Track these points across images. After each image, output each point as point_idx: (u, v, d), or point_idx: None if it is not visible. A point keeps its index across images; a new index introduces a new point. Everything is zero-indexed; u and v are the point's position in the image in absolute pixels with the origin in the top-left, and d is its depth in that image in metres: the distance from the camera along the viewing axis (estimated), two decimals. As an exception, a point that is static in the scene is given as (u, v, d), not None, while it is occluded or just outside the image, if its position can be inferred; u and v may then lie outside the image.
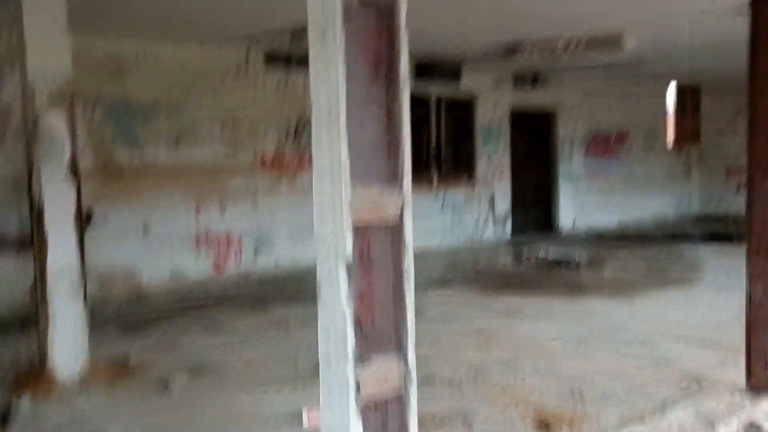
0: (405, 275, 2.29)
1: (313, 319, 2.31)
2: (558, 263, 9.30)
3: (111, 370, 4.97)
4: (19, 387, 4.57)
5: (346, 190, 2.11)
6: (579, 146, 12.67)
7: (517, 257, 9.81)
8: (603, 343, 5.42)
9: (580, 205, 12.76)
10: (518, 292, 7.51)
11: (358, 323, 2.17)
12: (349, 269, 2.14)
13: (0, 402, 4.34)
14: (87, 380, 4.73)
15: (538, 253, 10.04)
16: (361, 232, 2.18)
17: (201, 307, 7.07)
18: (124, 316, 6.76)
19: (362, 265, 2.20)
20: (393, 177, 2.26)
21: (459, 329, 6.01)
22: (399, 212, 2.27)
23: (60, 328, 4.73)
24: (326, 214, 2.19)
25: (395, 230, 2.28)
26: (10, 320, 6.29)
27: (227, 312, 6.85)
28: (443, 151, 11.07)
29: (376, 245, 2.25)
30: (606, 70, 11.78)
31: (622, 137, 13.40)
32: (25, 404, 4.31)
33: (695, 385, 4.37)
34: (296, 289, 7.82)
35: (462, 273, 8.89)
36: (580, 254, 9.85)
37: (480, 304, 7.00)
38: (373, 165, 2.22)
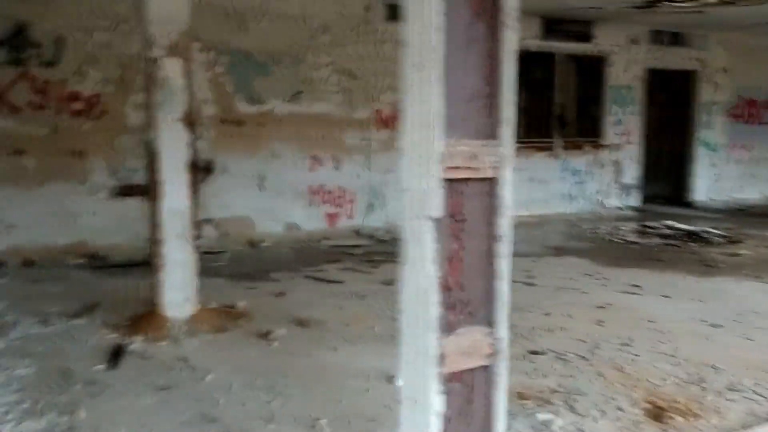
0: (500, 238, 2.06)
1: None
2: (689, 236, 8.61)
3: (219, 316, 5.08)
4: (133, 328, 4.76)
5: (437, 141, 1.90)
6: (722, 111, 11.62)
7: (644, 229, 9.17)
8: (734, 328, 4.92)
9: (720, 176, 11.76)
10: (641, 266, 7.00)
11: (445, 287, 1.98)
12: (438, 228, 1.94)
13: (113, 341, 4.54)
14: (195, 324, 4.85)
15: (667, 225, 9.34)
16: (453, 188, 1.97)
17: (312, 261, 7.12)
18: (238, 264, 6.92)
19: (453, 224, 2.00)
20: (492, 129, 2.02)
21: (572, 300, 5.67)
22: (497, 169, 2.03)
23: (171, 272, 4.86)
24: (415, 167, 1.99)
25: (492, 189, 2.05)
26: (133, 264, 6.60)
27: (337, 267, 6.84)
28: (568, 112, 10.49)
29: (470, 204, 2.03)
30: (755, 28, 10.66)
31: (772, 103, 12.15)
32: (136, 344, 4.49)
33: (841, 383, 3.84)
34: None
35: (581, 242, 8.43)
36: (715, 229, 9.07)
37: (597, 276, 6.57)
38: (470, 114, 1.99)
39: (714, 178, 11.72)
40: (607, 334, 4.73)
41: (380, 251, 7.64)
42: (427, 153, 1.94)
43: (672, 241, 8.35)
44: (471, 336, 2.03)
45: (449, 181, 1.95)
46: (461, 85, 1.95)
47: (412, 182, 2.01)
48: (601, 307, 5.47)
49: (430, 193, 1.94)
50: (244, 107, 7.86)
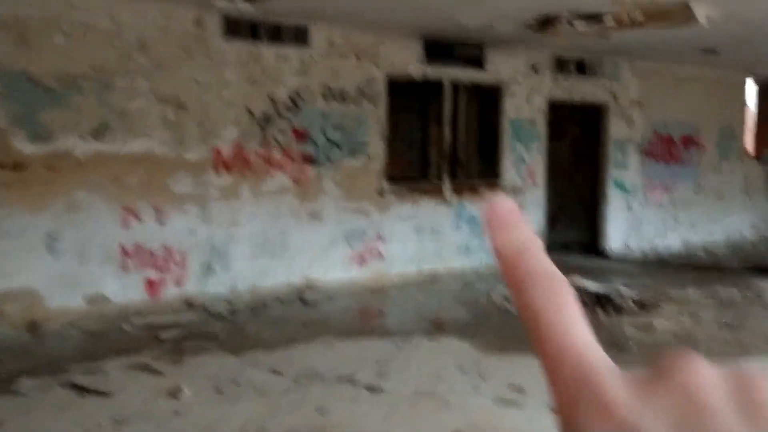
0: None
1: None
2: (598, 300, 7.14)
3: None
4: None
5: None
6: (637, 149, 10.38)
7: (546, 289, 7.66)
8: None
9: (636, 222, 10.47)
10: (531, 351, 5.42)
11: None
12: None
13: None
14: None
15: (573, 284, 7.86)
16: None
17: (98, 352, 5.26)
18: (15, 353, 5.02)
19: None
20: None
21: (419, 423, 4.00)
22: None
23: None
24: None
25: None
26: None
27: (125, 362, 5.01)
28: (460, 152, 9.01)
29: None
30: (672, 56, 9.48)
31: (690, 139, 11.01)
32: None
33: None
34: (260, 322, 5.96)
35: (468, 311, 6.84)
36: (628, 288, 7.65)
37: (473, 371, 4.95)
38: None
39: (631, 223, 10.42)
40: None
41: (203, 332, 5.86)
42: None
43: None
44: None
45: None
46: None
47: None
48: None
49: None
50: (25, 146, 6.01)
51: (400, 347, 5.49)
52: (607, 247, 10.21)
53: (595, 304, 6.97)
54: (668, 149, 10.73)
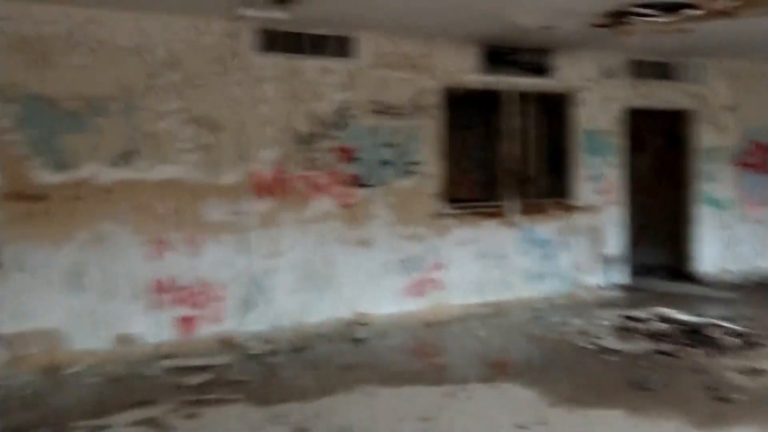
0: None
1: None
2: (691, 335, 6.12)
3: None
4: None
5: None
6: (729, 159, 9.22)
7: (628, 322, 6.69)
8: None
9: (732, 242, 9.28)
10: (613, 402, 4.51)
11: None
12: None
13: None
14: None
15: (660, 314, 6.86)
16: None
17: (114, 401, 4.69)
18: (25, 403, 4.52)
19: None
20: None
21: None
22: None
23: None
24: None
25: None
26: None
27: (138, 415, 4.41)
28: (527, 167, 8.15)
29: None
30: (766, 52, 8.36)
31: (792, 147, 9.74)
32: None
33: None
34: (300, 364, 5.29)
35: (536, 350, 5.96)
36: (728, 321, 6.58)
37: (534, 427, 4.09)
38: None
39: (725, 243, 9.24)
40: None
41: (233, 378, 5.22)
42: None
43: (666, 346, 5.85)
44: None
45: None
46: None
47: None
48: None
49: None
50: (45, 176, 5.58)
51: (453, 396, 4.69)
52: (697, 271, 9.06)
53: (690, 341, 5.95)
54: (766, 158, 9.50)
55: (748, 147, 9.36)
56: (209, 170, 6.16)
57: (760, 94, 9.34)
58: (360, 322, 6.79)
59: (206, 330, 6.16)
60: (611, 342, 6.05)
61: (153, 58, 5.94)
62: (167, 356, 5.82)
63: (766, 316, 6.85)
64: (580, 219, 8.19)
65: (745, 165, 9.36)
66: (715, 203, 9.16)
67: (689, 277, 9.05)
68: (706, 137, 9.04)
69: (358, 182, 6.85)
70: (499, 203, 7.74)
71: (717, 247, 9.17)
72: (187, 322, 6.10)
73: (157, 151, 5.96)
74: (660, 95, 8.65)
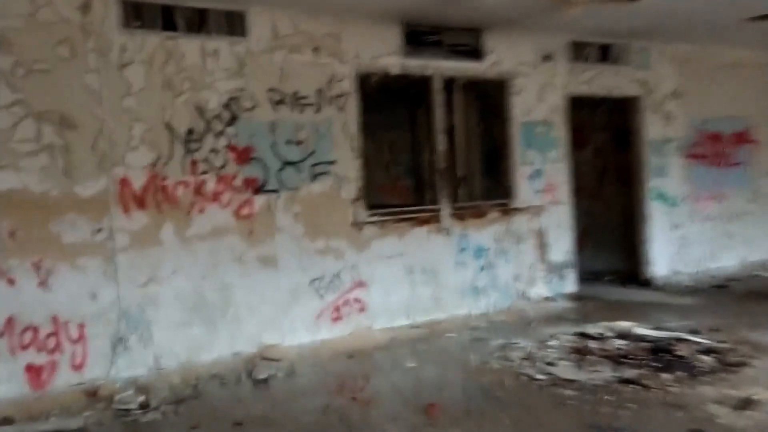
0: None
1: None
2: (655, 354, 5.17)
3: None
4: None
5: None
6: (678, 151, 8.42)
7: (582, 342, 5.71)
8: None
9: (685, 240, 8.48)
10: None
11: None
12: None
13: None
14: None
15: (618, 331, 5.91)
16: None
17: None
18: None
19: None
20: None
21: None
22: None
23: None
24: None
25: None
26: None
27: None
28: (459, 165, 7.14)
29: None
30: (715, 33, 7.60)
31: (742, 137, 9.03)
32: None
33: None
34: (184, 421, 4.06)
35: (472, 384, 4.89)
36: (695, 331, 5.70)
37: None
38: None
39: (678, 243, 8.43)
40: None
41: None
42: None
43: (630, 371, 4.86)
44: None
45: None
46: None
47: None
48: None
49: None
50: None
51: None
52: (648, 275, 8.21)
53: (657, 362, 4.99)
54: (716, 150, 8.76)
55: (696, 137, 8.60)
56: (61, 179, 4.87)
57: (707, 80, 8.59)
58: (265, 357, 5.60)
59: (64, 380, 4.86)
60: (564, 370, 5.03)
61: (-21, 38, 4.64)
62: (7, 420, 4.50)
63: (734, 327, 5.99)
64: (521, 222, 7.21)
65: (695, 157, 8.59)
66: (664, 199, 8.34)
67: (640, 282, 8.21)
68: (652, 128, 8.22)
69: (256, 188, 5.67)
70: (428, 207, 6.69)
71: (668, 247, 8.35)
72: (36, 372, 4.78)
73: (-11, 156, 4.65)
74: (603, 82, 7.77)
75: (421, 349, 5.89)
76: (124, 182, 5.10)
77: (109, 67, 5.04)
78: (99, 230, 5.01)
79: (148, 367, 5.18)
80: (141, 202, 5.17)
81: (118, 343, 5.08)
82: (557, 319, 6.76)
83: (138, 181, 5.15)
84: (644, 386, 4.54)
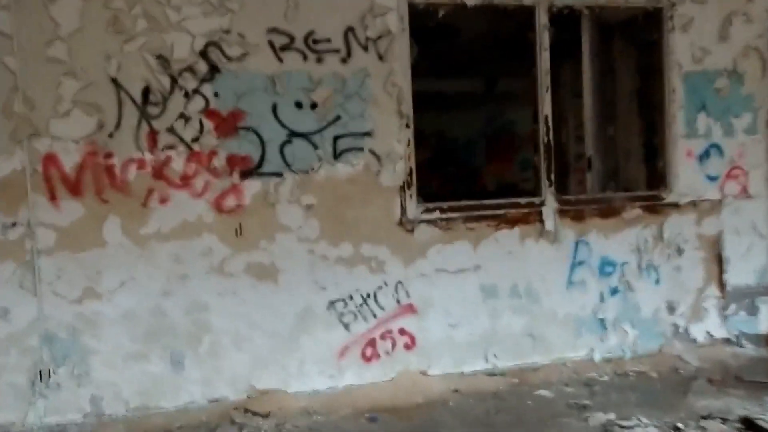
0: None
1: None
2: None
3: None
4: None
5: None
6: None
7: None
8: None
9: None
10: None
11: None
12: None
13: None
14: None
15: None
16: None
17: None
18: None
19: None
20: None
21: None
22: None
23: None
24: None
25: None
26: None
27: None
28: (589, 140, 4.88)
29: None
30: None
31: None
32: None
33: None
34: None
35: None
36: None
37: None
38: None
39: None
40: None
41: None
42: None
43: None
44: None
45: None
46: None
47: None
48: None
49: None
50: None
51: None
52: None
53: None
54: None
55: None
56: (-40, 155, 3.62)
57: None
58: (254, 410, 3.96)
59: (-42, 428, 3.65)
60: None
61: None
62: None
63: None
64: (680, 225, 4.77)
65: None
66: None
67: None
68: None
69: (246, 170, 4.01)
70: (523, 200, 4.56)
71: None
72: None
73: None
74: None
75: (502, 414, 3.84)
76: (49, 160, 3.72)
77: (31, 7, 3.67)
78: (12, 225, 3.69)
79: (84, 413, 3.80)
80: (74, 188, 3.76)
81: (39, 378, 3.75)
82: (735, 380, 4.28)
83: (70, 159, 3.74)
84: None
